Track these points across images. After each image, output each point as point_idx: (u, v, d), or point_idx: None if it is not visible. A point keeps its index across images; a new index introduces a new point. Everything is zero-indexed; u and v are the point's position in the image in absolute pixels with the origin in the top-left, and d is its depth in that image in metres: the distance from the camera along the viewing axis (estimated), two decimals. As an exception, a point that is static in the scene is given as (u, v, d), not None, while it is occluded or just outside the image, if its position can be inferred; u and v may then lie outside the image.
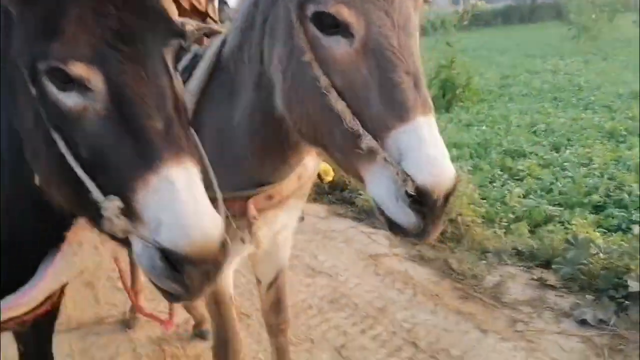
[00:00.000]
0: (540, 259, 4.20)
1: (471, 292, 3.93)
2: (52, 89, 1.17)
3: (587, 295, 3.69)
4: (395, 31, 1.40)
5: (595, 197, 5.27)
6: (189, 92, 1.99)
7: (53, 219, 1.44)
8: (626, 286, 3.55)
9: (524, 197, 5.47)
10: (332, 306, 3.86)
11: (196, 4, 2.98)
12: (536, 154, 6.88)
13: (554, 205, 5.20)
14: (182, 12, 2.81)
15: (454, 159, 5.46)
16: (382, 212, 1.43)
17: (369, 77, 1.40)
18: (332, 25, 1.43)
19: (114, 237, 1.21)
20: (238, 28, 1.87)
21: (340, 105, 1.41)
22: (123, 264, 3.01)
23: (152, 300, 4.05)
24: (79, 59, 1.14)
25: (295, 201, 2.20)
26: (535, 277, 4.02)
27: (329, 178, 2.40)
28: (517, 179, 6.12)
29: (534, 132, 8.09)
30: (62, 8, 1.15)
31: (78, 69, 1.14)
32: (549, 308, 3.65)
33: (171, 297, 1.20)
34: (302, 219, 2.47)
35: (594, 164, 6.28)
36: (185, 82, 2.03)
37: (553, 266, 4.04)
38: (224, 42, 1.97)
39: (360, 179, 1.49)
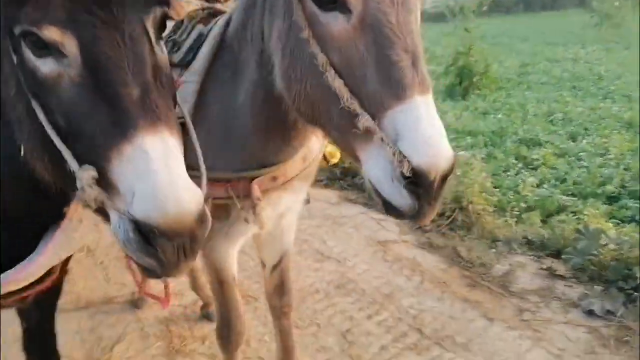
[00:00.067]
0: (551, 248, 4.16)
1: (479, 280, 3.91)
2: (29, 55, 1.16)
3: (595, 286, 3.64)
4: (394, 7, 1.37)
5: (610, 188, 5.19)
6: (193, 72, 1.99)
7: (52, 195, 1.43)
8: (636, 278, 3.52)
9: (538, 186, 5.40)
10: (339, 291, 3.86)
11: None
12: (552, 143, 6.78)
13: (568, 195, 5.14)
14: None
15: (468, 147, 5.49)
16: (378, 193, 1.41)
17: (366, 54, 1.37)
18: (330, 0, 1.41)
19: (96, 210, 1.19)
20: (242, 7, 1.86)
21: (337, 83, 1.39)
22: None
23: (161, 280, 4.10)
24: (52, 23, 1.11)
25: (300, 183, 2.19)
26: (544, 267, 3.98)
27: (335, 160, 2.38)
28: (532, 168, 6.05)
29: (551, 121, 7.98)
30: None
31: (51, 33, 1.12)
32: (557, 298, 3.62)
33: (148, 272, 1.17)
34: (307, 201, 2.46)
35: (610, 154, 6.18)
36: (190, 62, 2.03)
37: (563, 256, 4.00)
38: (228, 22, 1.96)
39: (357, 159, 1.47)
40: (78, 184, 1.11)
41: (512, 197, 5.20)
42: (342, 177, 5.99)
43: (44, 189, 1.37)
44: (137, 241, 1.09)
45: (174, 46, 2.14)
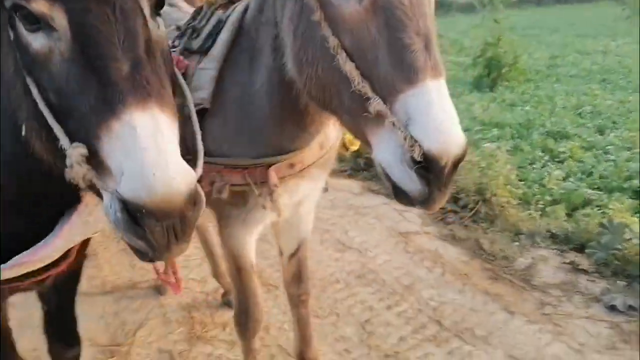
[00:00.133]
0: (575, 242, 4.09)
1: (501, 273, 3.87)
2: (22, 30, 1.14)
3: (618, 281, 3.59)
4: None
5: (636, 182, 5.05)
6: (212, 59, 2.00)
7: (63, 177, 1.43)
8: (659, 274, 3.44)
9: (564, 179, 5.30)
10: (360, 281, 3.86)
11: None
12: (579, 136, 6.64)
13: (594, 188, 5.03)
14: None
15: (494, 139, 5.41)
16: (388, 177, 1.40)
17: (378, 37, 1.35)
18: None
19: (96, 193, 1.17)
20: None
21: (348, 67, 1.38)
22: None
23: (184, 267, 4.16)
24: None
25: (318, 171, 2.19)
26: (567, 261, 3.92)
27: (355, 147, 2.36)
28: (558, 161, 5.94)
29: (579, 113, 7.81)
30: None
31: (39, 6, 1.09)
32: (579, 292, 3.57)
33: (140, 255, 1.14)
34: (325, 190, 2.46)
35: (637, 148, 6.02)
36: (209, 48, 2.04)
37: (586, 250, 3.93)
38: (247, 8, 1.96)
39: (368, 143, 1.46)
40: (67, 162, 1.09)
41: (537, 190, 5.12)
42: (365, 168, 5.97)
43: (49, 170, 1.33)
44: (125, 221, 1.06)
45: (193, 33, 2.15)
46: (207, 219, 3.46)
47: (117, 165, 1.05)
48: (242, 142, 1.99)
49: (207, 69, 2.00)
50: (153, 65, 1.16)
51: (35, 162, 1.34)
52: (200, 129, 2.03)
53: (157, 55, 1.20)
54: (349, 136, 2.34)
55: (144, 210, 1.03)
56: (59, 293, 2.19)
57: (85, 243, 1.90)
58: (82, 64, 1.10)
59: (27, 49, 1.15)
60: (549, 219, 4.49)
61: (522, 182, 5.27)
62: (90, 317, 3.59)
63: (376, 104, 1.33)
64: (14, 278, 1.62)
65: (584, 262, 3.88)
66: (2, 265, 1.55)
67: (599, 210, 4.53)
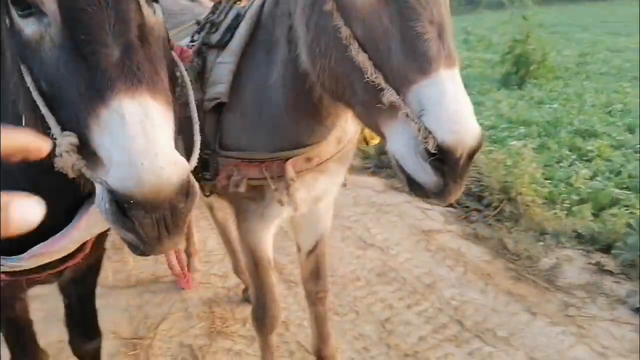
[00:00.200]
0: (601, 243, 4.00)
1: (524, 273, 3.80)
2: (15, 16, 1.12)
3: (644, 283, 3.50)
4: None
5: (665, 183, 4.96)
6: (230, 53, 2.00)
7: None
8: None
9: (591, 178, 5.19)
10: (380, 279, 3.84)
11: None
12: (608, 135, 6.50)
13: (622, 188, 4.91)
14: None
15: (521, 137, 5.33)
16: (402, 169, 1.38)
17: (390, 26, 1.34)
18: None
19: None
20: None
21: (361, 57, 1.37)
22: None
23: (207, 262, 4.20)
24: None
25: (336, 166, 2.18)
26: (593, 262, 3.83)
27: (375, 141, 2.35)
28: (586, 160, 5.82)
29: (609, 112, 7.64)
30: None
31: None
32: (604, 294, 3.48)
33: (132, 248, 1.11)
34: (344, 185, 2.45)
35: (669, 147, 5.89)
36: (227, 42, 2.05)
37: (613, 251, 3.84)
38: (264, 1, 1.96)
39: (382, 135, 1.44)
40: (57, 150, 1.06)
41: (563, 189, 5.02)
42: (389, 165, 5.93)
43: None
44: (114, 213, 1.03)
45: (212, 27, 2.15)
46: (228, 215, 3.50)
47: (107, 155, 1.02)
48: (259, 135, 1.99)
49: (225, 63, 2.00)
50: (146, 51, 1.13)
51: None
52: (218, 123, 2.05)
53: (152, 42, 1.16)
54: (369, 130, 2.33)
55: (132, 201, 0.99)
56: (79, 286, 2.22)
57: (103, 236, 1.91)
58: (71, 50, 1.06)
59: (20, 35, 1.12)
60: (575, 218, 4.40)
61: (549, 181, 5.18)
62: (114, 309, 3.65)
63: (389, 95, 1.31)
64: (31, 270, 1.63)
65: (609, 263, 3.79)
66: (20, 256, 1.57)
67: (626, 210, 4.43)
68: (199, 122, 2.03)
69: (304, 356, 3.09)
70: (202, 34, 2.17)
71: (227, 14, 2.15)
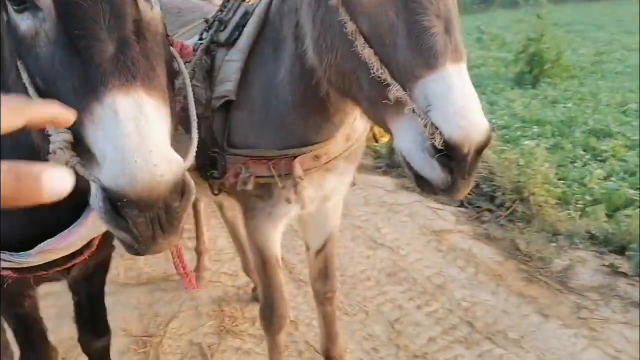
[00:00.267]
0: (615, 244, 3.95)
1: (536, 274, 3.76)
2: (12, 11, 1.10)
3: (659, 286, 3.44)
4: None
5: (681, 183, 4.89)
6: (238, 50, 2.00)
7: None
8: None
9: (605, 179, 5.14)
10: (390, 279, 3.81)
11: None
12: (623, 135, 6.42)
13: (636, 189, 4.84)
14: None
15: (534, 137, 5.28)
16: (409, 166, 1.37)
17: (396, 20, 1.32)
18: None
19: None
20: None
21: (367, 52, 1.35)
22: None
23: (217, 261, 4.20)
24: None
25: (344, 165, 2.16)
26: (606, 263, 3.78)
27: (385, 139, 2.33)
28: (600, 160, 5.77)
29: (624, 111, 7.55)
30: None
31: None
32: (618, 296, 3.43)
33: (127, 247, 1.09)
34: (353, 184, 2.44)
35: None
36: (235, 40, 2.04)
37: (627, 253, 3.79)
38: None
39: (389, 131, 1.43)
40: (50, 147, 1.04)
41: (577, 189, 4.98)
42: (400, 165, 5.90)
43: None
44: (107, 211, 1.01)
45: (220, 25, 2.14)
46: (237, 214, 3.50)
47: (101, 152, 1.00)
48: (267, 133, 1.98)
49: (233, 61, 2.00)
50: (142, 47, 1.10)
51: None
52: (226, 121, 2.05)
53: (148, 37, 1.14)
54: (378, 128, 2.31)
55: (125, 200, 0.97)
56: (88, 284, 2.22)
57: (111, 234, 1.91)
58: (66, 45, 1.05)
59: (16, 31, 1.11)
60: (589, 219, 4.36)
61: (562, 181, 5.13)
62: (125, 307, 3.66)
63: (395, 91, 1.30)
64: (38, 267, 1.64)
65: (623, 264, 3.74)
66: (28, 252, 1.57)
67: (641, 211, 4.37)
68: (204, 120, 2.06)
69: (313, 356, 3.08)
70: (210, 32, 2.17)
71: (235, 11, 2.14)
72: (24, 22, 1.09)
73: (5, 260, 1.59)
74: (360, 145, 2.23)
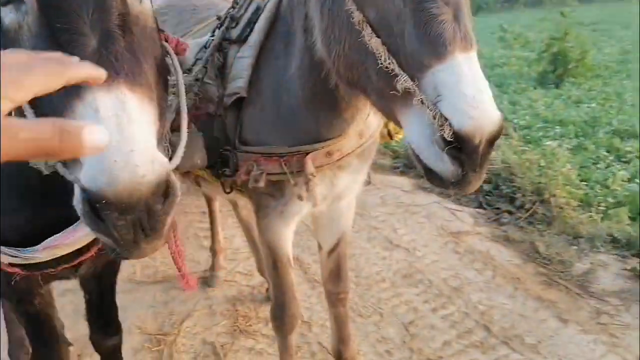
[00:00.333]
0: (637, 248, 3.83)
1: (556, 278, 3.67)
2: None
3: (682, 291, 3.34)
4: None
5: None
6: (249, 47, 1.98)
7: None
8: None
9: (629, 180, 5.02)
10: (406, 281, 3.76)
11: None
12: (649, 136, 6.29)
13: (661, 191, 4.74)
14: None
15: (556, 137, 5.18)
16: (419, 159, 1.33)
17: (404, 8, 1.28)
18: None
19: None
20: None
21: (374, 42, 1.32)
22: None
23: (232, 260, 4.20)
24: None
25: (358, 162, 2.14)
26: (628, 267, 3.68)
27: (400, 136, 2.29)
28: (624, 161, 5.64)
29: (650, 111, 7.40)
30: None
31: None
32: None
33: (111, 252, 1.06)
34: (368, 183, 2.40)
35: None
36: (247, 36, 2.03)
37: (650, 256, 3.69)
38: None
39: (398, 123, 1.39)
40: None
41: (599, 191, 4.88)
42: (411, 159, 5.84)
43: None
44: (86, 213, 0.97)
45: (232, 22, 2.13)
46: (252, 213, 3.49)
47: None
48: (279, 130, 1.97)
49: (244, 57, 1.99)
50: (128, 41, 1.07)
51: None
52: (238, 118, 2.03)
53: (135, 31, 1.11)
54: (393, 125, 2.27)
55: (104, 201, 0.94)
56: (99, 282, 2.23)
57: None
58: (48, 39, 1.02)
59: (2, 26, 1.08)
60: (611, 222, 4.25)
61: (584, 183, 5.03)
62: (141, 305, 3.68)
63: (403, 81, 1.26)
64: (46, 264, 1.64)
65: (646, 269, 3.64)
66: (34, 247, 1.57)
67: (665, 214, 4.26)
68: (216, 118, 2.04)
69: (326, 357, 3.04)
70: (222, 29, 2.15)
71: (247, 8, 2.13)
72: (7, 16, 1.07)
73: (13, 256, 1.60)
74: (374, 142, 2.20)
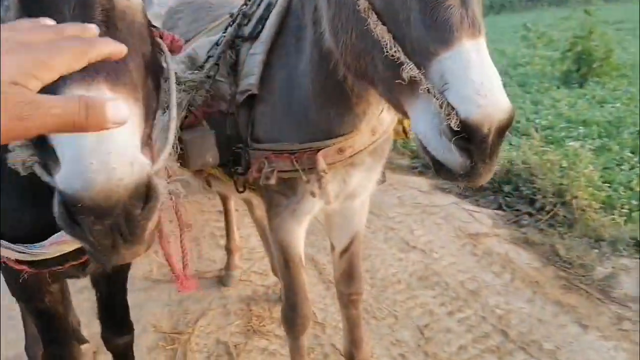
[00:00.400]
0: (662, 252, 3.74)
1: (576, 282, 3.58)
2: None
3: None
4: None
5: None
6: (261, 43, 1.97)
7: None
8: None
9: (654, 182, 4.90)
10: (422, 283, 3.70)
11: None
12: (676, 137, 6.12)
13: (687, 193, 4.60)
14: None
15: (579, 138, 5.06)
16: (426, 151, 1.29)
17: None
18: None
19: None
20: None
21: (379, 30, 1.28)
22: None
23: (247, 260, 4.19)
24: None
25: (371, 160, 2.10)
26: (653, 272, 3.59)
27: None
28: (650, 163, 5.50)
29: (677, 112, 7.21)
30: None
31: None
32: (663, 308, 3.24)
33: (90, 256, 1.03)
34: (383, 181, 2.36)
35: None
36: (259, 33, 2.01)
37: (675, 261, 3.58)
38: None
39: (407, 115, 1.35)
40: (9, 145, 0.99)
41: (623, 193, 4.73)
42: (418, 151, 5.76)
43: None
44: (61, 216, 0.94)
45: (244, 18, 2.12)
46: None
47: (60, 153, 0.93)
48: (290, 126, 1.95)
49: (256, 54, 1.97)
50: (112, 38, 1.00)
51: None
52: (250, 116, 2.01)
53: (121, 27, 1.08)
54: (409, 122, 2.23)
55: (79, 205, 0.90)
56: (108, 282, 2.23)
57: None
58: None
59: None
60: (634, 225, 4.13)
61: (607, 185, 4.88)
62: (156, 303, 3.69)
63: (409, 69, 1.22)
64: (53, 261, 1.63)
65: (672, 274, 3.53)
66: (42, 243, 1.56)
67: (691, 217, 4.13)
68: (229, 116, 2.03)
69: (339, 359, 3.01)
70: (234, 25, 2.14)
71: (259, 4, 2.12)
72: None
73: (20, 252, 1.59)
74: (388, 140, 2.16)
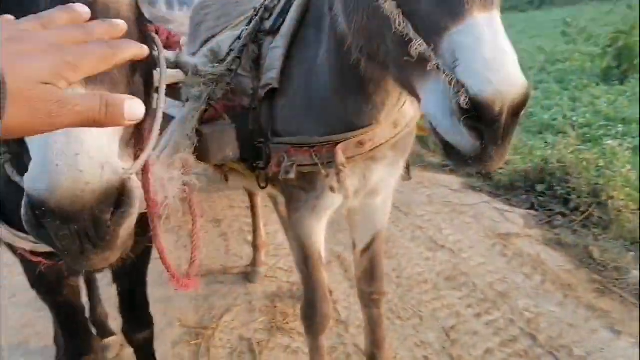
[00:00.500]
0: (700, 256, 3.57)
1: (610, 286, 3.45)
2: None
3: None
4: None
5: None
6: (282, 36, 1.96)
7: None
8: None
9: (696, 183, 4.69)
10: (449, 284, 3.63)
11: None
12: None
13: None
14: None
15: (618, 136, 4.89)
16: (436, 132, 1.23)
17: None
18: None
19: None
20: None
21: (388, 5, 1.22)
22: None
23: (273, 256, 4.18)
24: None
25: (393, 154, 2.05)
26: (689, 277, 3.43)
27: None
28: (690, 164, 5.28)
29: None
30: None
31: None
32: (700, 315, 3.09)
33: (65, 262, 1.00)
34: (409, 178, 2.30)
35: None
36: (280, 26, 2.00)
37: None
38: None
39: (418, 97, 1.29)
40: None
41: (662, 194, 4.57)
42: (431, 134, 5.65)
43: None
44: (26, 218, 0.91)
45: (266, 12, 2.11)
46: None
47: (32, 153, 0.90)
48: (309, 119, 1.92)
49: (277, 48, 1.96)
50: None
51: None
52: (270, 109, 1.99)
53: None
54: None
55: (44, 208, 0.87)
56: (127, 277, 2.24)
57: (146, 226, 1.88)
58: None
59: None
60: (674, 227, 3.98)
61: (646, 185, 4.73)
62: (183, 298, 3.70)
63: (418, 45, 1.16)
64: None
65: None
66: None
67: None
68: (251, 111, 2.01)
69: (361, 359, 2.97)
70: (256, 19, 2.13)
71: None
72: None
73: (34, 242, 1.59)
74: (411, 134, 2.10)
